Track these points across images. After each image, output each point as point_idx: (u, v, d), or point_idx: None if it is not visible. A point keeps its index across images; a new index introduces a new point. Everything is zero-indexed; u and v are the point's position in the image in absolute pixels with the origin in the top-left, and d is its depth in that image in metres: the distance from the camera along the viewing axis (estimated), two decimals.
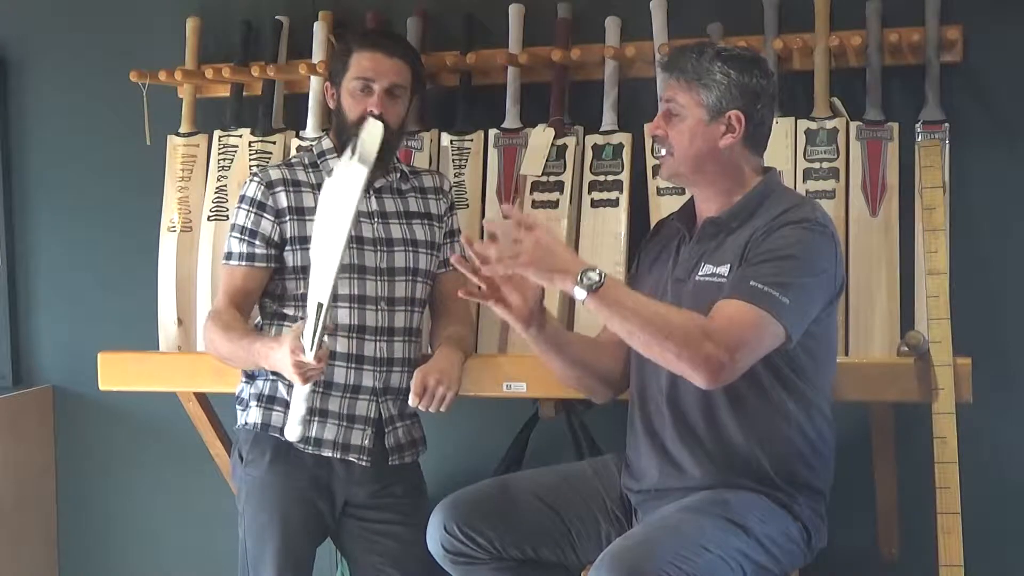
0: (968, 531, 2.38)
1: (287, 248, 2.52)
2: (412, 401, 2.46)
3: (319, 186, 2.49)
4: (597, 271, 2.03)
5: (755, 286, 2.06)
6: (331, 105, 2.58)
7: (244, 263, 2.52)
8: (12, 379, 3.44)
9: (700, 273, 2.20)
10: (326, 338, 2.24)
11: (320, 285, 2.19)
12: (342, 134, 2.52)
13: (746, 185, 2.24)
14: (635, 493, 2.27)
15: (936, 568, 2.38)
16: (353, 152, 2.13)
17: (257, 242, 2.51)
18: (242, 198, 2.55)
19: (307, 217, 2.50)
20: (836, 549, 2.38)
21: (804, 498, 2.21)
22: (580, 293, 2.02)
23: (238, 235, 2.52)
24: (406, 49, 2.59)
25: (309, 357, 2.23)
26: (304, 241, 2.49)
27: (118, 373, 2.91)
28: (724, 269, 2.17)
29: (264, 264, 2.52)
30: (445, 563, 2.35)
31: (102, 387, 2.92)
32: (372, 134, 2.16)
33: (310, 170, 2.58)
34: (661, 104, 2.28)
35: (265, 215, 2.51)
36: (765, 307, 2.04)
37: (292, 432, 2.37)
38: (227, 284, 2.55)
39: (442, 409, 2.47)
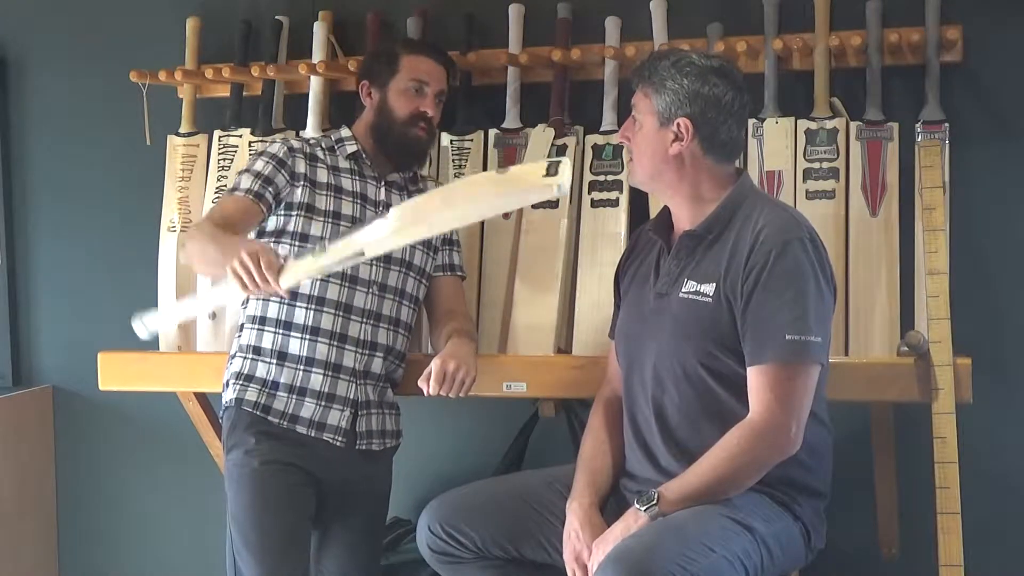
0: (968, 531, 2.38)
1: (293, 213, 2.54)
2: (433, 388, 2.43)
3: (334, 168, 2.59)
4: (645, 495, 2.12)
5: (792, 339, 2.09)
6: (367, 104, 2.65)
7: (250, 197, 2.50)
8: (12, 379, 3.44)
9: (684, 289, 2.21)
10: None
11: (380, 243, 2.18)
12: (387, 133, 2.60)
13: (717, 193, 2.24)
14: (633, 494, 2.28)
15: (936, 568, 2.38)
16: (551, 173, 2.07)
17: (269, 188, 2.52)
18: (263, 152, 2.59)
19: (318, 190, 2.56)
20: (836, 549, 2.38)
21: (804, 499, 2.22)
22: (651, 513, 2.10)
23: (252, 176, 2.53)
24: (449, 60, 2.70)
25: (282, 288, 2.21)
26: (310, 210, 2.54)
27: (118, 373, 2.92)
28: (709, 288, 2.18)
29: (264, 209, 2.52)
30: (433, 563, 2.40)
31: (102, 387, 2.93)
32: (567, 169, 2.08)
33: (327, 152, 2.63)
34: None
35: (282, 172, 2.55)
36: (808, 358, 2.10)
37: (150, 324, 2.43)
38: (218, 208, 2.52)
39: (461, 394, 2.46)
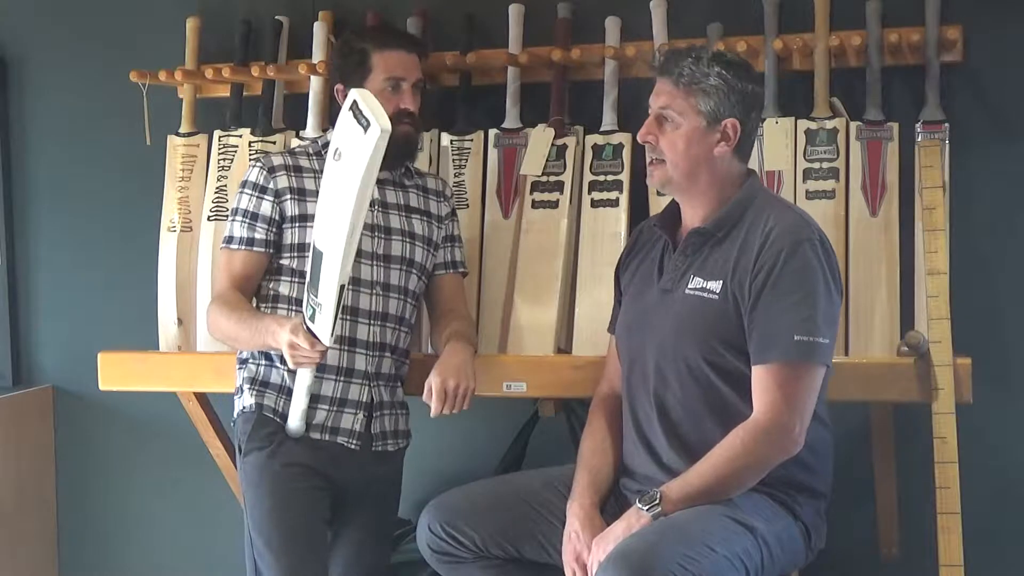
0: (968, 531, 2.38)
1: (286, 226, 2.54)
2: (435, 409, 2.43)
3: (323, 172, 2.53)
4: (647, 495, 2.13)
5: (800, 340, 2.09)
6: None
7: (244, 247, 2.54)
8: (12, 379, 3.44)
9: (690, 286, 2.21)
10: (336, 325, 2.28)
11: (336, 268, 2.20)
12: None
13: (732, 192, 2.24)
14: (634, 493, 2.28)
15: (936, 568, 2.38)
16: (361, 123, 2.11)
17: (259, 225, 2.54)
18: (244, 183, 2.58)
19: (308, 198, 2.54)
20: (836, 549, 2.38)
21: (805, 499, 2.22)
22: (653, 513, 2.11)
23: (240, 218, 2.55)
24: (418, 43, 2.66)
25: (328, 342, 2.28)
26: (304, 219, 2.53)
27: (118, 373, 2.92)
28: (715, 285, 2.18)
29: (263, 249, 2.55)
30: (433, 563, 2.41)
31: (102, 387, 2.93)
32: (370, 100, 2.13)
33: (314, 158, 2.61)
34: (652, 109, 2.26)
35: (266, 197, 2.54)
36: (815, 359, 2.11)
37: (292, 424, 2.46)
38: (227, 268, 2.57)
39: (464, 407, 2.47)
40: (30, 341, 3.46)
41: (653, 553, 1.98)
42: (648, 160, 2.27)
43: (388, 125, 2.10)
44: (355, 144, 2.14)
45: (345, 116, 2.17)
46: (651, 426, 2.25)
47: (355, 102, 2.14)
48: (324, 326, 2.27)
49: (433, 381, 2.44)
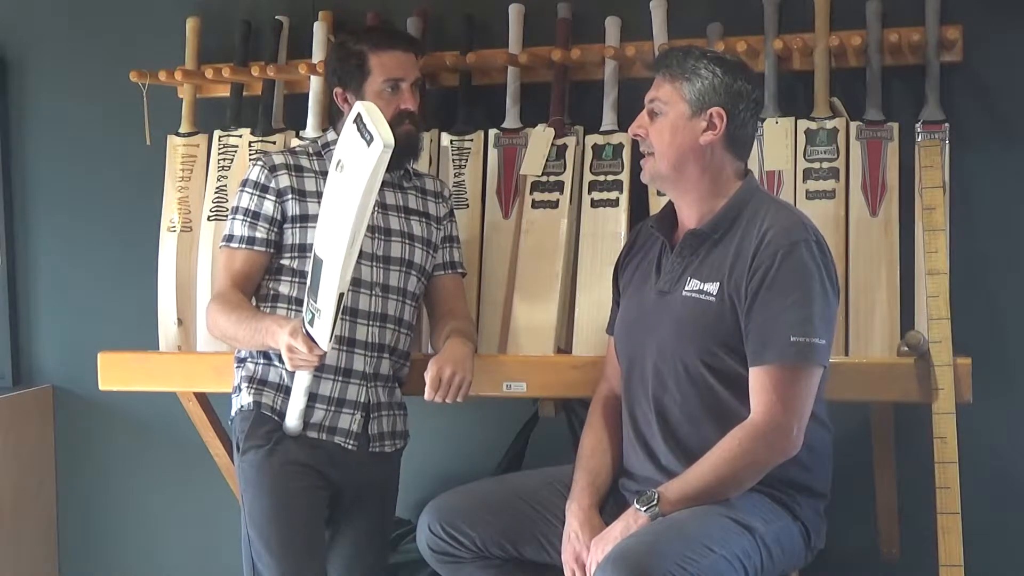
0: (968, 531, 2.38)
1: (287, 226, 2.54)
2: (428, 394, 2.45)
3: (323, 173, 2.55)
4: (645, 496, 2.13)
5: (796, 341, 2.09)
6: (345, 110, 2.57)
7: (245, 246, 2.54)
8: (12, 379, 3.44)
9: (687, 288, 2.21)
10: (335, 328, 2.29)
11: (336, 276, 2.21)
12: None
13: (727, 191, 2.24)
14: (633, 494, 2.28)
15: (936, 568, 2.38)
16: (365, 136, 2.12)
17: (260, 224, 2.54)
18: (245, 181, 2.58)
19: (308, 199, 2.54)
20: (836, 549, 2.39)
21: (804, 499, 2.22)
22: (651, 513, 2.11)
23: (241, 217, 2.55)
24: (414, 42, 2.66)
25: (327, 347, 2.28)
26: (304, 220, 2.53)
27: (118, 373, 2.92)
28: (712, 287, 2.18)
29: (264, 248, 2.55)
30: (433, 563, 2.41)
31: (102, 387, 2.93)
32: (374, 114, 2.14)
33: (314, 158, 2.61)
34: (644, 105, 2.27)
35: (267, 196, 2.54)
36: (812, 360, 2.11)
37: (290, 423, 2.47)
38: (228, 267, 2.57)
39: (459, 399, 2.47)
40: (30, 341, 3.46)
41: (651, 553, 1.98)
42: (648, 153, 2.28)
43: (391, 140, 2.10)
44: (358, 157, 2.15)
45: (349, 129, 2.18)
46: (650, 428, 2.25)
47: (359, 115, 2.15)
48: (323, 331, 2.27)
49: (430, 369, 2.46)
